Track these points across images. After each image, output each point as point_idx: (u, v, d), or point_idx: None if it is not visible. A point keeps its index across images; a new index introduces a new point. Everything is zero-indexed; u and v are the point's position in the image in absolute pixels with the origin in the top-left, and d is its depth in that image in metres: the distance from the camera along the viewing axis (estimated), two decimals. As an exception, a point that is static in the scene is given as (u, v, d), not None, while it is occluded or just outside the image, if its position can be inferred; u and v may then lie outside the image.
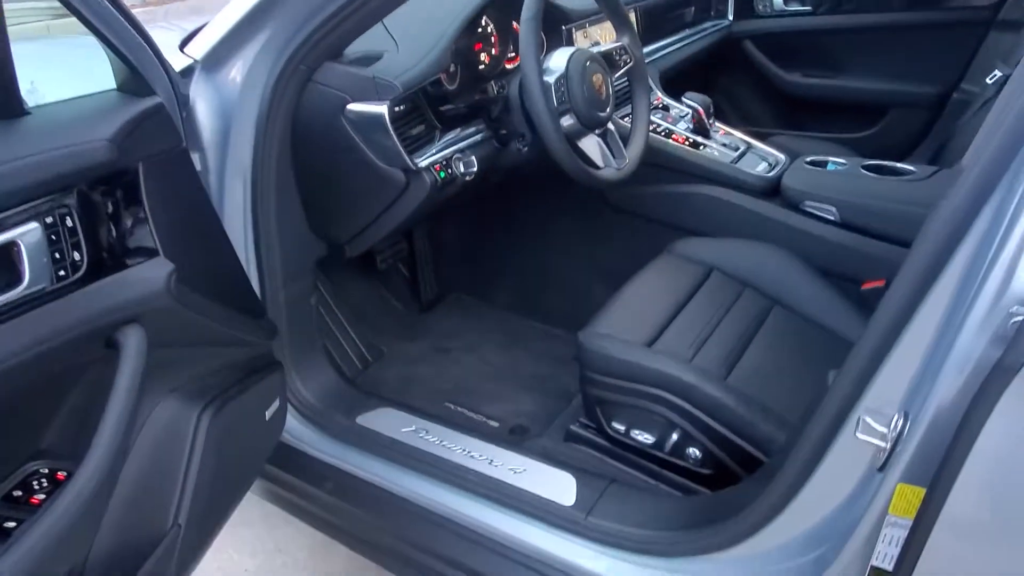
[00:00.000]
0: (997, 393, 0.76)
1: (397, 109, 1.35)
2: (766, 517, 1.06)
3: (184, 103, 1.28)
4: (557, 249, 2.08)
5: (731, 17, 2.67)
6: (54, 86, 1.09)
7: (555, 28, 1.79)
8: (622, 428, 1.44)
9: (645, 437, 1.41)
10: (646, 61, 1.78)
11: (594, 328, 1.46)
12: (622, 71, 1.64)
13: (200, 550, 1.24)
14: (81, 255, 0.94)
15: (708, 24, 2.60)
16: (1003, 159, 0.81)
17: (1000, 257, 0.78)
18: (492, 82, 1.48)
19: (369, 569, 1.74)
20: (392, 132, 1.33)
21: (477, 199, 2.09)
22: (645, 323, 1.49)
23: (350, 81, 1.35)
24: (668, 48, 2.30)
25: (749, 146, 1.91)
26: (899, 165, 1.78)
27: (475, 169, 1.46)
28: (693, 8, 2.53)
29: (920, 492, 0.86)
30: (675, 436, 1.37)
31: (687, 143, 1.88)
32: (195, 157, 1.38)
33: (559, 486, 1.35)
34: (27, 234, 0.87)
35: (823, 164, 1.82)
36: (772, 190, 1.79)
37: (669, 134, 1.90)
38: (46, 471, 1.07)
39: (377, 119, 1.33)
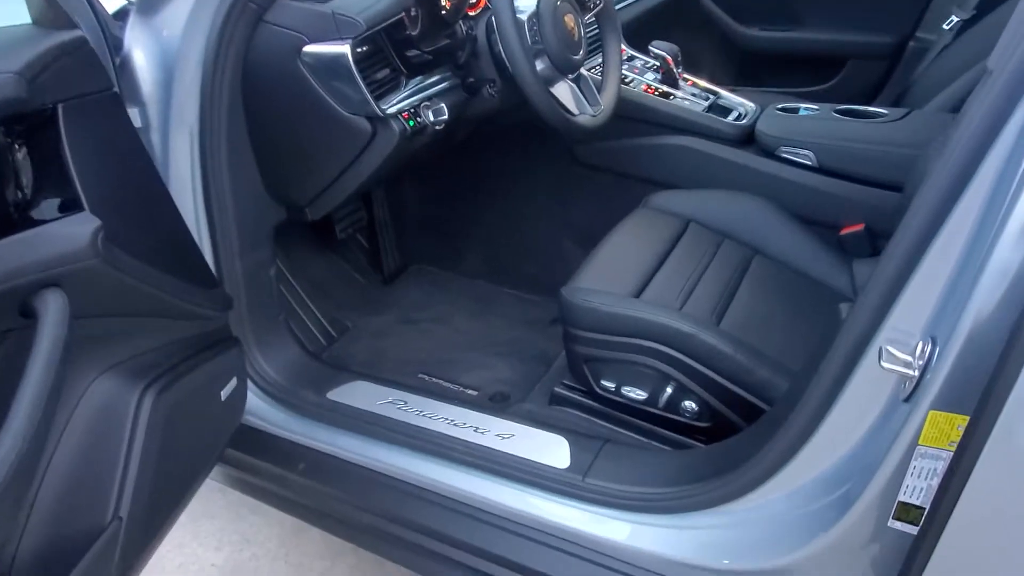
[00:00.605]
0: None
1: (360, 50, 1.23)
2: (780, 461, 1.01)
3: (117, 48, 1.15)
4: (525, 211, 2.00)
5: (687, -30, 2.61)
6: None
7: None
8: (612, 386, 1.37)
9: (637, 393, 1.35)
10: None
11: (576, 283, 1.39)
12: (592, 12, 1.56)
13: (148, 546, 1.11)
14: None
15: (664, -22, 2.54)
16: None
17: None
18: (460, 23, 1.38)
19: (346, 552, 1.64)
20: (357, 75, 1.22)
21: (438, 162, 1.99)
22: (628, 276, 1.42)
23: (306, 19, 1.22)
24: (624, 1, 2.23)
25: (718, 95, 1.86)
26: (870, 108, 1.76)
27: (445, 117, 1.36)
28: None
29: (956, 419, 0.81)
30: (669, 390, 1.31)
31: (657, 94, 1.81)
32: (134, 113, 1.26)
33: (551, 449, 1.28)
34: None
35: (795, 111, 1.79)
36: (746, 138, 1.75)
37: (638, 85, 1.83)
38: None
39: (338, 61, 1.22)
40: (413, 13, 1.35)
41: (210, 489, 1.80)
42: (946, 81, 1.83)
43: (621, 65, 1.64)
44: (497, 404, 1.57)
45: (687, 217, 1.62)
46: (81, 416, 0.99)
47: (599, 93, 1.56)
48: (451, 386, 1.65)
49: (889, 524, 0.91)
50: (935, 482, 0.86)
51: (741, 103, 1.85)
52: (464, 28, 1.35)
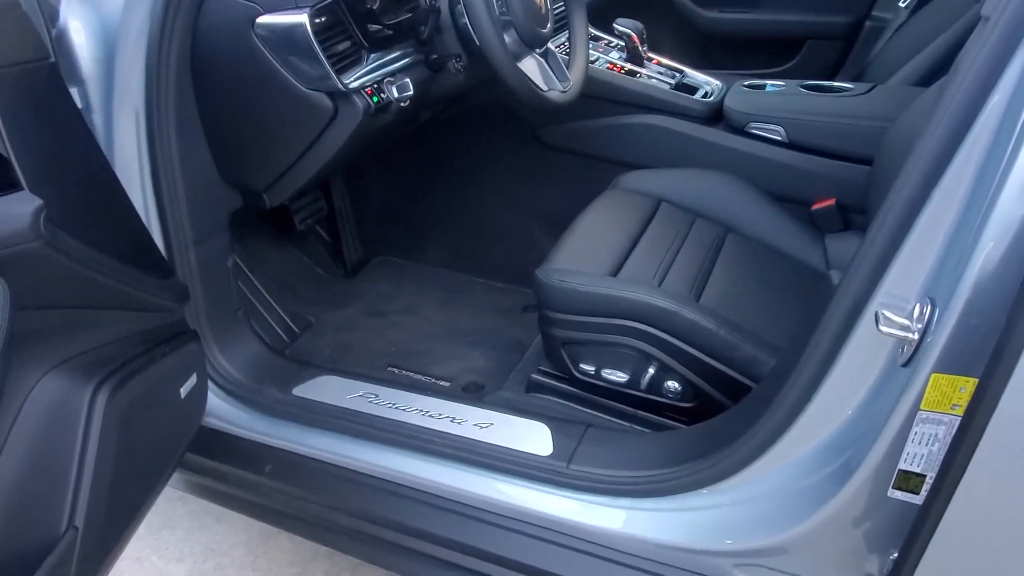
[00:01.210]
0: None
1: (318, 21, 1.16)
2: (776, 433, 0.97)
3: (52, 19, 1.06)
4: (491, 197, 1.94)
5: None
6: None
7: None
8: (591, 369, 1.33)
9: (618, 376, 1.31)
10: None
11: (551, 264, 1.35)
12: (557, -14, 1.51)
13: (107, 557, 1.02)
14: None
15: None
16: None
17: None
18: (421, -3, 1.31)
19: (319, 556, 1.57)
20: (316, 46, 1.14)
21: (400, 148, 1.92)
22: (603, 256, 1.39)
23: None
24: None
25: (684, 73, 1.83)
26: (836, 84, 1.76)
27: (411, 93, 1.29)
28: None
29: (959, 381, 0.79)
30: (651, 370, 1.27)
31: (622, 72, 1.78)
32: (73, 93, 1.16)
33: (532, 437, 1.23)
34: None
35: (761, 87, 1.77)
36: (715, 115, 1.72)
37: (603, 64, 1.79)
38: None
39: (296, 32, 1.14)
40: (371, -15, 1.28)
41: (170, 498, 1.70)
42: (904, 58, 1.84)
43: (588, 40, 1.60)
44: (472, 394, 1.52)
45: (658, 197, 1.59)
46: (27, 419, 0.90)
47: (567, 69, 1.52)
48: (423, 378, 1.59)
49: (889, 494, 0.88)
50: (936, 448, 0.84)
51: (707, 81, 1.83)
52: (427, 0, 1.29)
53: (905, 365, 0.85)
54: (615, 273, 1.35)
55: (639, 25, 1.80)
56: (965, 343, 0.78)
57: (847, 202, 1.57)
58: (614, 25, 1.82)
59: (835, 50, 2.41)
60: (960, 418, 0.79)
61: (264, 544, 1.63)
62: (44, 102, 0.90)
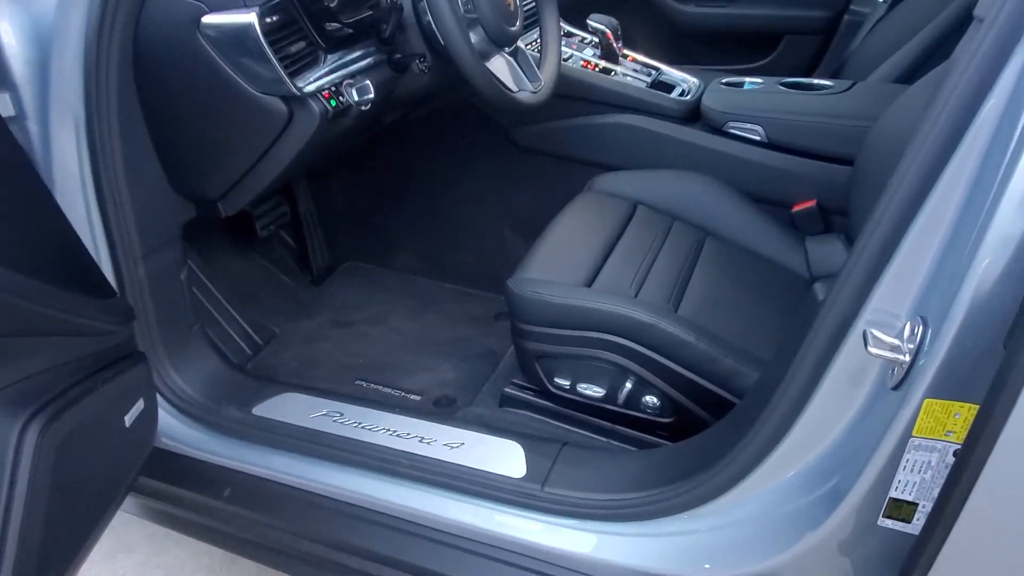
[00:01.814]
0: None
1: (269, 20, 1.09)
2: (758, 456, 0.92)
3: (-25, 20, 0.98)
4: (462, 201, 1.87)
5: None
6: None
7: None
8: (566, 383, 1.27)
9: (594, 390, 1.25)
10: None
11: (523, 274, 1.29)
12: (526, -18, 1.45)
13: None
14: None
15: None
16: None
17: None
18: (381, -7, 1.24)
19: (285, 583, 1.49)
20: (267, 48, 1.07)
21: (366, 150, 1.84)
22: (578, 264, 1.33)
23: None
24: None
25: (660, 71, 1.78)
26: (815, 81, 1.71)
27: (371, 96, 1.22)
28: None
29: (954, 407, 0.74)
30: (628, 385, 1.22)
31: (597, 70, 1.72)
32: (3, 99, 1.08)
33: (505, 457, 1.17)
34: None
35: (739, 85, 1.72)
36: (692, 114, 1.67)
37: (576, 62, 1.73)
38: None
39: (245, 32, 1.06)
40: (328, -19, 1.21)
41: (127, 521, 1.62)
42: (883, 53, 1.80)
43: (560, 37, 1.54)
44: (443, 409, 1.46)
45: (634, 199, 1.54)
46: None
47: (538, 68, 1.45)
48: (392, 392, 1.52)
49: (879, 522, 0.83)
50: (928, 475, 0.79)
51: (684, 78, 1.78)
52: (387, -2, 1.22)
53: (896, 388, 0.80)
54: (590, 282, 1.30)
55: (613, 21, 1.74)
56: (960, 366, 0.73)
57: (828, 203, 1.53)
58: (588, 21, 1.76)
59: (813, 45, 2.37)
60: (955, 445, 0.74)
61: (227, 568, 1.56)
62: None
